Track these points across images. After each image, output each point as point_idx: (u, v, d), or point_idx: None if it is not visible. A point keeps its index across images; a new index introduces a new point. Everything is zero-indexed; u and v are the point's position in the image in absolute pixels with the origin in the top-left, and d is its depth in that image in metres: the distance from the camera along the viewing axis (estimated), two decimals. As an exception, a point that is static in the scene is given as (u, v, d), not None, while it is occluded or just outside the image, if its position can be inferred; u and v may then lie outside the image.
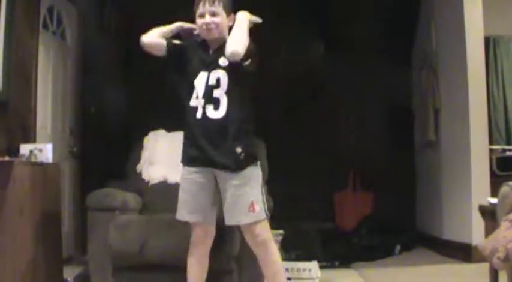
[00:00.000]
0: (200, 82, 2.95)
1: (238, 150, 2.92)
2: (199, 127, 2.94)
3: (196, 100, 2.95)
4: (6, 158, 3.54)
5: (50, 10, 5.08)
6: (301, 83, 6.51)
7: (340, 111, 6.42)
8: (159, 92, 6.09)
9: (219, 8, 2.97)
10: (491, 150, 5.23)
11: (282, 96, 6.42)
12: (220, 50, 2.95)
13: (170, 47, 3.08)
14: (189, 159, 3.01)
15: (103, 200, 3.58)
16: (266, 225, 2.97)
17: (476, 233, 4.77)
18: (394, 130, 6.55)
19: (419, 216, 6.56)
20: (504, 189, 3.12)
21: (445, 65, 5.66)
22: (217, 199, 3.02)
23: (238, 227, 3.03)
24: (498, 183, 3.33)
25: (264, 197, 2.99)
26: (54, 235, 3.78)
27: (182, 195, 3.03)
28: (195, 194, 2.99)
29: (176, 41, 3.15)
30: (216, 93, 2.93)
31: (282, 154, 5.41)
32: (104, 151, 5.60)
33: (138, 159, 4.26)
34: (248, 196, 2.92)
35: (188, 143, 3.01)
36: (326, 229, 5.92)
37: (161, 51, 3.08)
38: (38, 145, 3.92)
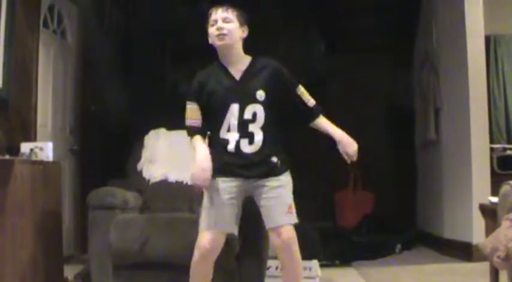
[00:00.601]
0: (232, 115, 2.87)
1: (274, 159, 2.91)
2: (232, 159, 2.87)
3: (228, 133, 2.88)
4: (7, 157, 3.54)
5: (51, 9, 5.08)
6: (302, 82, 6.50)
7: (340, 111, 6.39)
8: (159, 90, 6.10)
9: (232, 16, 2.91)
10: (491, 149, 5.23)
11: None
12: (248, 76, 2.92)
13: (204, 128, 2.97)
14: (217, 170, 2.86)
15: (104, 199, 3.58)
16: (294, 229, 2.90)
17: (476, 232, 4.77)
18: (395, 129, 6.55)
19: (419, 215, 6.56)
20: (505, 188, 3.12)
21: (446, 64, 5.66)
22: (241, 212, 2.94)
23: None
24: (499, 182, 3.33)
25: None
26: (55, 233, 3.78)
27: (209, 206, 2.89)
28: (223, 203, 2.87)
29: (199, 116, 2.94)
30: (251, 127, 2.88)
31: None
32: (104, 149, 5.61)
33: (138, 158, 4.26)
34: (286, 198, 2.91)
35: (215, 159, 2.86)
36: (327, 228, 5.93)
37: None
38: (38, 143, 3.91)
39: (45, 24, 4.96)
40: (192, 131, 2.94)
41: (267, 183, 2.89)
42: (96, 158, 5.56)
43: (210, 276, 2.94)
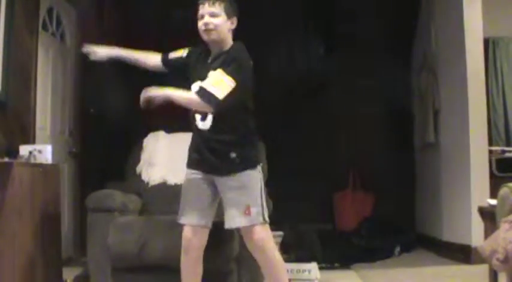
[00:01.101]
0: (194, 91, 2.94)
1: (233, 155, 2.92)
2: (198, 134, 2.99)
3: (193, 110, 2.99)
4: (6, 159, 3.54)
5: (50, 11, 5.08)
6: (301, 84, 6.52)
7: (339, 112, 6.41)
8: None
9: (219, 9, 2.93)
10: (490, 152, 5.23)
11: (281, 96, 6.42)
12: (215, 59, 2.96)
13: (165, 62, 3.17)
14: (191, 162, 3.05)
15: (102, 201, 3.58)
16: (265, 229, 2.95)
17: (475, 235, 4.77)
18: (394, 131, 6.55)
19: (418, 218, 6.56)
20: (503, 190, 3.12)
21: (445, 66, 5.67)
22: (215, 203, 3.03)
23: (237, 229, 3.02)
24: (497, 185, 3.34)
25: (264, 201, 2.97)
26: (54, 236, 3.78)
27: (183, 197, 3.06)
28: (194, 195, 3.01)
29: (174, 54, 3.18)
30: None
31: (282, 155, 5.42)
32: (103, 152, 5.60)
33: (137, 161, 4.26)
34: (244, 199, 2.91)
35: (191, 147, 3.06)
36: (325, 230, 5.93)
37: (159, 68, 3.20)
38: (37, 146, 3.91)
39: (44, 27, 4.96)
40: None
41: (227, 182, 2.94)
42: (95, 160, 5.55)
43: (197, 271, 3.00)
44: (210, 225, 3.02)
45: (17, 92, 4.30)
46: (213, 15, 2.93)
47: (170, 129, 4.33)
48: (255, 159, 3.02)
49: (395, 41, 6.38)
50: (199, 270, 3.02)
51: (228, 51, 2.97)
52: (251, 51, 3.04)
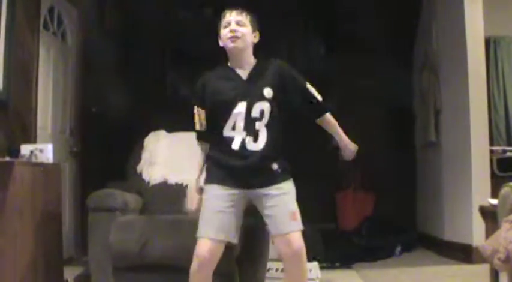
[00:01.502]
0: (239, 113, 2.83)
1: (275, 166, 2.87)
2: (235, 156, 2.83)
3: (233, 131, 2.84)
4: (7, 159, 3.54)
5: (51, 11, 5.08)
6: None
7: (341, 112, 6.39)
8: (159, 92, 6.09)
9: (245, 20, 2.91)
10: (491, 151, 5.23)
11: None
12: (255, 76, 2.91)
13: (207, 135, 2.98)
14: (218, 178, 2.85)
15: (103, 201, 3.58)
16: (301, 236, 2.85)
17: (476, 234, 4.77)
18: (395, 131, 6.55)
19: (420, 217, 6.56)
20: (505, 190, 3.12)
21: (446, 65, 5.66)
22: (241, 221, 2.91)
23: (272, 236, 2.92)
24: (499, 184, 3.33)
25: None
26: (55, 235, 3.78)
27: (208, 213, 2.85)
28: (222, 211, 2.83)
29: (203, 122, 2.96)
30: (258, 125, 2.84)
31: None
32: (104, 151, 5.60)
33: (138, 160, 4.26)
34: (289, 205, 2.85)
35: (218, 165, 2.87)
36: (327, 230, 5.92)
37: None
38: (38, 145, 3.91)
39: (45, 26, 4.96)
40: (197, 136, 2.99)
41: (268, 192, 2.84)
42: (96, 160, 5.56)
43: None
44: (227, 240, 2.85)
45: (18, 91, 4.30)
46: (240, 23, 2.89)
47: (171, 128, 4.33)
48: (290, 169, 2.98)
49: (397, 40, 6.38)
50: None
51: (264, 66, 2.95)
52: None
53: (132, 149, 4.35)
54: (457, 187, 5.36)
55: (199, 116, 2.95)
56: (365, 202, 6.46)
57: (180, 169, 3.99)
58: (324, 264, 4.88)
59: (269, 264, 3.74)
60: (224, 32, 2.90)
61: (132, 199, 3.82)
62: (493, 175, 5.09)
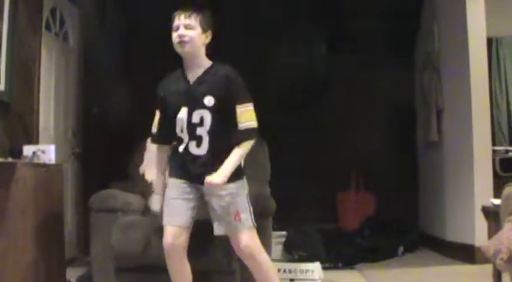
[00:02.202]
0: (182, 118, 2.93)
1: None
2: (182, 158, 2.97)
3: (182, 134, 2.95)
4: (9, 159, 3.55)
5: (53, 12, 5.09)
6: (304, 83, 6.52)
7: (342, 112, 6.41)
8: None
9: (194, 22, 2.92)
10: (494, 151, 5.22)
11: (284, 96, 6.43)
12: (201, 80, 2.95)
13: (162, 139, 3.15)
14: (176, 173, 3.02)
15: (106, 201, 3.59)
16: (253, 234, 2.97)
17: (479, 234, 4.76)
18: (397, 130, 6.54)
19: (422, 217, 6.55)
20: (507, 190, 3.12)
21: (448, 65, 5.66)
22: (198, 208, 3.01)
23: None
24: (501, 184, 3.34)
25: (250, 206, 2.98)
26: (57, 236, 3.78)
27: (166, 201, 3.02)
28: (178, 199, 2.97)
29: (157, 126, 3.14)
30: (199, 131, 2.91)
31: (285, 154, 5.41)
32: (106, 152, 5.60)
33: (140, 161, 4.26)
34: (233, 206, 2.92)
35: (176, 164, 3.03)
36: (329, 230, 5.92)
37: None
38: (40, 146, 3.92)
39: (48, 27, 4.96)
40: (151, 138, 3.19)
41: (215, 191, 2.91)
42: (98, 160, 5.56)
43: (185, 270, 3.01)
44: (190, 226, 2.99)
45: (20, 92, 4.30)
46: (188, 27, 2.92)
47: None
48: (241, 172, 3.00)
49: (399, 40, 6.37)
50: (185, 268, 3.02)
51: (214, 72, 2.96)
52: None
53: (134, 149, 4.35)
54: (460, 187, 5.35)
55: (156, 118, 3.12)
56: (367, 202, 6.46)
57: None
58: (327, 265, 4.88)
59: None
60: (173, 36, 2.98)
61: (134, 200, 3.83)
62: (495, 175, 5.09)
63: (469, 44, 5.14)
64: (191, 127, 2.91)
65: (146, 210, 3.92)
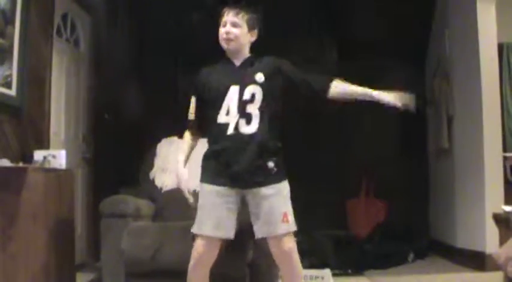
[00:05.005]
0: (232, 96, 2.89)
1: (271, 164, 2.86)
2: (230, 143, 2.85)
3: (226, 117, 2.88)
4: (20, 164, 3.57)
5: (64, 18, 5.12)
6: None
7: (352, 119, 6.40)
8: (172, 98, 6.10)
9: (241, 20, 2.95)
10: (505, 158, 5.19)
11: (294, 102, 6.41)
12: (248, 62, 2.98)
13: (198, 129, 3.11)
14: (213, 179, 2.88)
15: (116, 207, 3.59)
16: (293, 237, 2.91)
17: (490, 241, 4.73)
18: (407, 137, 6.52)
19: (432, 224, 6.52)
20: (519, 197, 3.10)
21: (459, 71, 5.64)
22: (237, 218, 2.91)
23: (252, 234, 2.93)
24: (512, 191, 3.32)
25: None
26: (67, 241, 3.79)
27: (204, 211, 2.88)
28: (222, 207, 2.85)
29: (194, 115, 3.09)
30: (249, 108, 2.87)
31: (295, 162, 5.40)
32: (117, 158, 5.62)
33: (151, 166, 4.27)
34: (281, 207, 2.85)
35: (213, 162, 2.90)
36: (339, 236, 5.90)
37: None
38: (51, 151, 3.94)
39: (59, 33, 4.99)
40: (188, 125, 3.11)
41: (261, 193, 2.84)
42: (108, 166, 5.57)
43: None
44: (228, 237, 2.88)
45: (32, 97, 4.33)
46: (235, 25, 2.94)
47: (183, 134, 4.33)
48: (285, 172, 2.95)
49: (409, 46, 6.36)
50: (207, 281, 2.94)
51: (258, 58, 3.02)
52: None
53: (145, 155, 4.37)
54: (470, 194, 5.32)
55: (194, 106, 3.06)
56: (377, 209, 6.44)
57: (192, 175, 3.99)
58: (336, 271, 4.87)
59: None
60: (221, 32, 2.98)
61: (144, 205, 3.84)
62: (506, 182, 5.05)
63: (480, 49, 5.12)
64: (241, 104, 2.87)
65: (157, 215, 3.94)
